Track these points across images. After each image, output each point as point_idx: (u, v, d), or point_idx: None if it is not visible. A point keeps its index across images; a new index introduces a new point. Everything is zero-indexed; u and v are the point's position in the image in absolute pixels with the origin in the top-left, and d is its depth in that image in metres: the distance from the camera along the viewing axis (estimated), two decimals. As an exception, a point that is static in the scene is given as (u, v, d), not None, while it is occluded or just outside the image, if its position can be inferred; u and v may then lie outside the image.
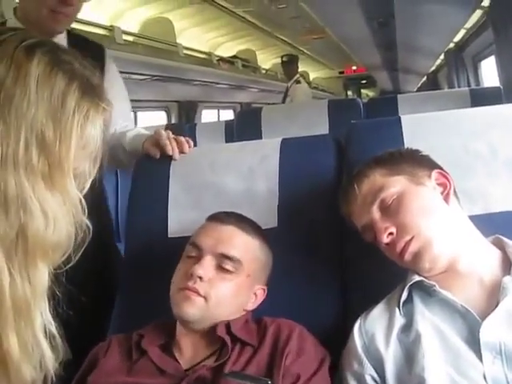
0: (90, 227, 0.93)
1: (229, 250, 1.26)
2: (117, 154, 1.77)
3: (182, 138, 1.62)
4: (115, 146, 1.76)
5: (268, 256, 1.35)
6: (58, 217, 0.85)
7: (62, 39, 1.69)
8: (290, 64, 6.68)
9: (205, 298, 1.22)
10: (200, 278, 1.21)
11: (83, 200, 0.91)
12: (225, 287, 1.24)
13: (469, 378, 1.04)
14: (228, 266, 1.25)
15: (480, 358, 1.05)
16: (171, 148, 1.58)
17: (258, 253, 1.32)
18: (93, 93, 0.90)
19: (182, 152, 1.60)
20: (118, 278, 1.60)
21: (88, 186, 0.95)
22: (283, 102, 6.24)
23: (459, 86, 5.92)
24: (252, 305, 1.32)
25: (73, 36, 1.77)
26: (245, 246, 1.29)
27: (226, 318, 1.25)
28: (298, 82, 6.41)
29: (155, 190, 1.58)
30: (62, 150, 0.85)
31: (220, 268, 1.25)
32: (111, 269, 1.81)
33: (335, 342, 1.27)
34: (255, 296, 1.32)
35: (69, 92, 0.86)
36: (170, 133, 1.63)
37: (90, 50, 1.78)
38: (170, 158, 1.59)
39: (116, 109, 1.80)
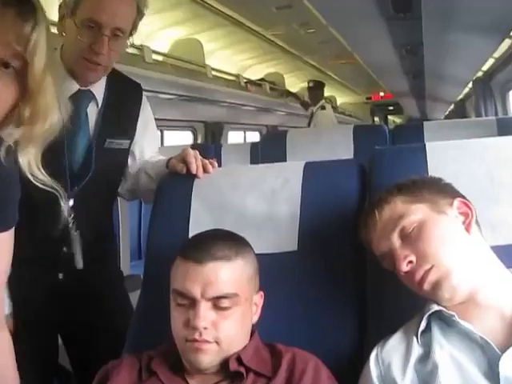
0: None
1: (220, 291, 1.19)
2: (139, 182, 1.80)
3: (207, 160, 1.62)
4: (138, 174, 1.81)
5: (253, 262, 1.28)
6: None
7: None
8: (315, 89, 6.74)
9: (216, 342, 1.18)
10: (204, 328, 1.17)
11: None
12: (231, 324, 1.19)
13: (486, 411, 1.03)
14: (225, 304, 1.19)
15: (499, 391, 1.03)
16: (196, 166, 1.59)
17: (246, 270, 1.25)
18: None
19: (205, 172, 1.60)
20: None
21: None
22: (308, 125, 6.37)
23: (486, 115, 5.88)
24: (256, 316, 1.28)
25: (113, 72, 1.76)
26: (233, 276, 1.21)
27: (238, 349, 1.21)
28: (322, 107, 6.46)
29: (177, 209, 1.59)
30: None
31: (218, 308, 1.19)
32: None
33: (352, 369, 1.26)
34: (256, 306, 1.28)
35: None
36: (198, 152, 1.63)
37: (130, 88, 1.83)
38: (194, 176, 1.59)
39: (145, 145, 1.86)
